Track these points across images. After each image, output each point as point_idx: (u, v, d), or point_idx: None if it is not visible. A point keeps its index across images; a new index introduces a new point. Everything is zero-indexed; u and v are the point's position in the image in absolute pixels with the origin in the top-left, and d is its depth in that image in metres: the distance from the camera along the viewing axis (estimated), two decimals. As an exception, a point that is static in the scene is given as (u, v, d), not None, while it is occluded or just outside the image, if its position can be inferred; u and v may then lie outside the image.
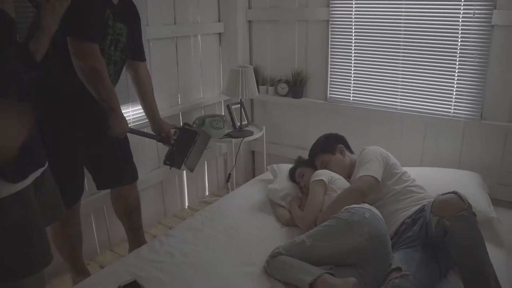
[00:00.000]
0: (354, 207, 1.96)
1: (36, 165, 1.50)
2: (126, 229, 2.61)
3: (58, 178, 1.98)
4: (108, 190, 2.52)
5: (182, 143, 2.50)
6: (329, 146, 2.55)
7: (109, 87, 2.05)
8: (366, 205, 2.02)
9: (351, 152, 2.61)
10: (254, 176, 3.74)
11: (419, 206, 2.11)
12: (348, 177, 2.47)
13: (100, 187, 2.46)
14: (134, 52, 2.36)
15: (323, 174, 2.36)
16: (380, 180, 2.23)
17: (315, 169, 2.50)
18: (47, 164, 1.59)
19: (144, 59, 2.45)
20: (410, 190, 2.26)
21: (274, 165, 2.94)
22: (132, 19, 2.29)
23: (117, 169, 2.41)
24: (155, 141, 2.57)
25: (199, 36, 3.44)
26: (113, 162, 2.38)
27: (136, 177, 2.51)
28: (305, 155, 2.71)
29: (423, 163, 3.02)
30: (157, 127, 2.50)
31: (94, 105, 2.07)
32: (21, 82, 1.46)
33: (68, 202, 2.24)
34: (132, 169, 2.49)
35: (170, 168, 2.51)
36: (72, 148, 2.17)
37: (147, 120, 2.54)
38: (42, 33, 1.55)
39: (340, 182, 2.34)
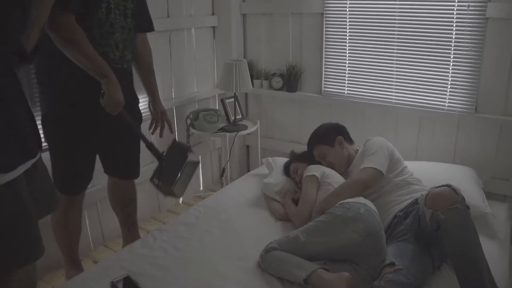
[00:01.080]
0: (349, 202, 1.95)
1: (27, 156, 1.47)
2: (120, 222, 2.60)
3: (66, 165, 1.96)
4: (101, 185, 2.50)
5: (172, 159, 2.21)
6: (328, 137, 2.51)
7: (91, 55, 1.92)
8: (361, 199, 2.01)
9: (351, 142, 2.58)
10: (248, 171, 3.73)
11: (411, 200, 2.11)
12: (347, 168, 2.47)
13: (106, 171, 2.45)
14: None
15: (315, 170, 2.35)
16: (384, 173, 2.21)
17: (309, 163, 2.48)
18: (39, 154, 1.56)
19: (143, 30, 2.34)
20: (408, 182, 2.25)
21: (270, 158, 2.93)
22: None
23: (123, 162, 2.40)
24: (150, 134, 2.50)
25: (192, 30, 3.42)
26: (121, 154, 2.35)
27: (137, 175, 2.50)
28: (300, 149, 2.70)
29: (418, 156, 3.02)
30: (154, 105, 2.44)
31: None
32: (10, 73, 1.44)
33: (73, 190, 2.27)
34: (137, 165, 2.47)
35: (157, 186, 2.16)
36: (82, 137, 2.14)
37: (148, 114, 2.48)
38: (31, 24, 1.51)
39: (334, 176, 2.33)
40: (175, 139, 2.36)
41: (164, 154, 2.19)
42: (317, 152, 2.53)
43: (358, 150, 2.49)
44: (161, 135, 2.44)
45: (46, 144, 2.14)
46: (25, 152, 1.47)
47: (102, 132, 2.21)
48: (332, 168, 2.48)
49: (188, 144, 2.29)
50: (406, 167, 2.36)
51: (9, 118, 1.39)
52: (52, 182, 1.73)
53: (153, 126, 2.44)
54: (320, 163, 2.49)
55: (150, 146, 2.18)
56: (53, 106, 2.11)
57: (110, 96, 1.96)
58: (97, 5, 2.01)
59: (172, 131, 2.50)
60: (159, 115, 2.43)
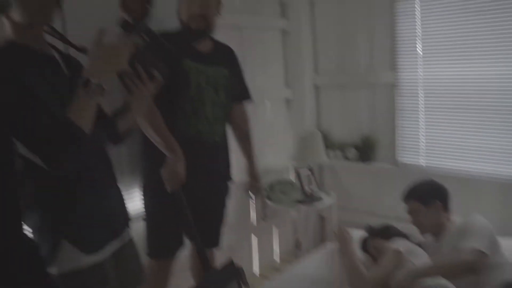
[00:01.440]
0: (431, 286, 1.86)
1: (114, 235, 1.51)
2: None
3: (161, 230, 2.16)
4: (181, 254, 2.55)
5: (221, 278, 2.14)
6: (427, 197, 2.39)
7: (161, 131, 2.01)
8: (443, 281, 1.91)
9: (447, 210, 2.41)
10: (323, 242, 3.67)
11: (506, 283, 1.96)
12: (434, 234, 2.37)
13: (190, 239, 2.46)
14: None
15: (402, 245, 2.27)
16: (489, 256, 2.05)
17: (388, 239, 2.40)
18: (127, 231, 1.61)
19: (240, 100, 2.47)
20: (501, 264, 2.10)
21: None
22: (229, 62, 2.35)
23: (206, 230, 2.40)
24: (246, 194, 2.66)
25: (267, 101, 3.53)
26: (205, 222, 2.36)
27: (218, 244, 2.54)
28: (375, 221, 2.64)
29: (505, 232, 2.82)
30: (249, 171, 2.59)
31: (194, 172, 2.08)
32: (104, 153, 1.55)
33: (166, 254, 2.33)
34: (218, 235, 2.51)
35: None
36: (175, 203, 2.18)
37: None
38: (131, 115, 1.59)
39: (419, 256, 2.23)
40: (232, 260, 2.27)
41: (216, 269, 2.19)
42: (410, 207, 2.43)
43: (451, 220, 2.37)
44: (252, 197, 2.63)
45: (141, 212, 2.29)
46: (112, 232, 1.52)
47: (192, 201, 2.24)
48: (418, 228, 2.40)
49: (243, 272, 2.28)
50: (500, 247, 2.20)
51: (97, 197, 1.45)
52: (140, 259, 1.76)
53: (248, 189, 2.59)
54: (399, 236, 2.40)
55: (201, 252, 2.20)
56: (152, 177, 2.18)
57: (171, 169, 1.99)
58: (187, 81, 2.13)
59: (253, 198, 2.66)
60: (252, 181, 2.58)
